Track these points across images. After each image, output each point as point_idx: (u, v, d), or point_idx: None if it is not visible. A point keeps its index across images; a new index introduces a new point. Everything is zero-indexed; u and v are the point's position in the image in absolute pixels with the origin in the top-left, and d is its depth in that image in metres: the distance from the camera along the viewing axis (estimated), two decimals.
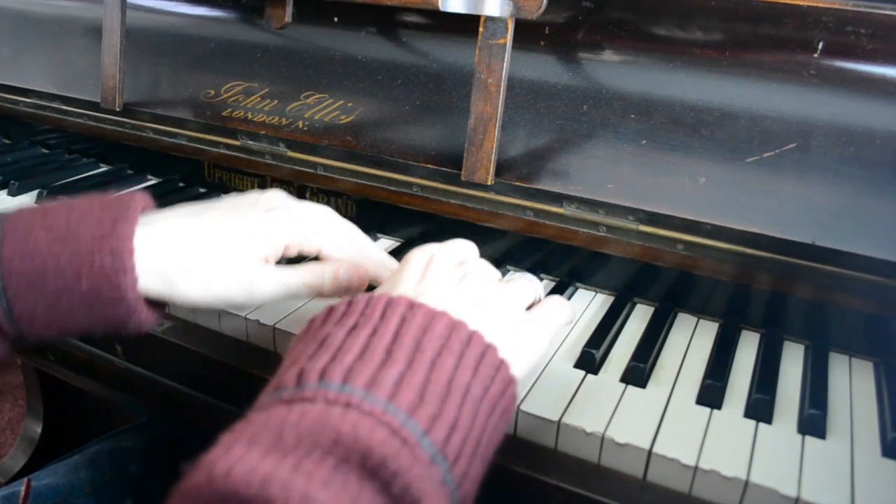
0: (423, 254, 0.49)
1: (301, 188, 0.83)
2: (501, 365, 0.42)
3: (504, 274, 0.74)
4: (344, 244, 0.57)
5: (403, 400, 0.37)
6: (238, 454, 0.33)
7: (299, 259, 0.57)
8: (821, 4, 0.61)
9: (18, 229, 0.48)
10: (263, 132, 0.82)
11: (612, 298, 0.69)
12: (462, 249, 0.51)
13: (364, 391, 0.36)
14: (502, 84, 0.66)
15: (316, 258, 0.57)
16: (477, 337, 0.41)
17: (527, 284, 0.51)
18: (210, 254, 0.51)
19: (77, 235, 0.48)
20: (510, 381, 0.42)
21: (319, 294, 0.55)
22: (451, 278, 0.47)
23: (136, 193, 0.52)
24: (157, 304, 0.51)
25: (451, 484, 0.37)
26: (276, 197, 0.57)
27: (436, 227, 0.76)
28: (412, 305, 0.41)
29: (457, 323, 0.41)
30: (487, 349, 0.41)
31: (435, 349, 0.40)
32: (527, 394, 0.54)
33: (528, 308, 0.51)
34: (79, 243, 0.47)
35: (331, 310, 0.43)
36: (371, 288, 0.64)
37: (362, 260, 0.57)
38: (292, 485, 0.31)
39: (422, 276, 0.47)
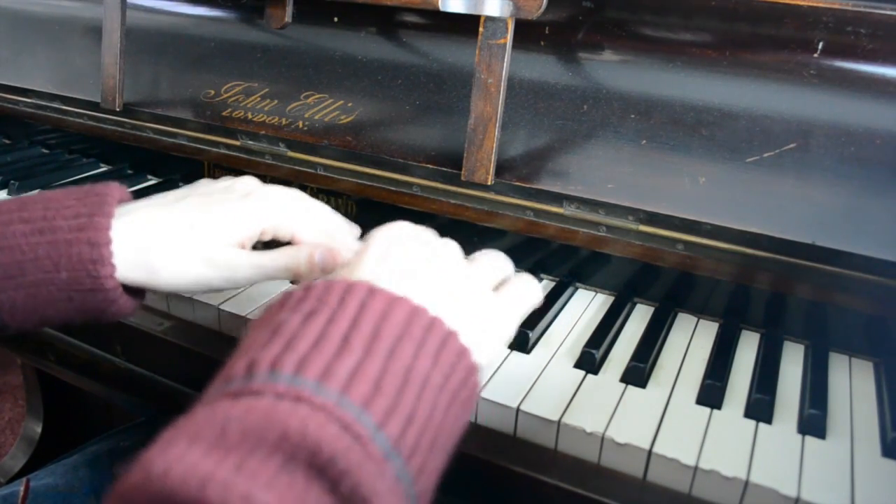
0: (386, 232, 0.47)
1: (301, 188, 0.82)
2: (464, 352, 0.40)
3: None
4: (316, 231, 0.57)
5: (357, 392, 0.35)
6: (177, 452, 0.31)
7: (273, 244, 0.58)
8: (821, 4, 0.61)
9: None
10: (263, 132, 0.82)
11: (612, 298, 0.69)
12: (425, 231, 0.50)
13: (316, 383, 0.34)
14: (502, 84, 0.66)
15: (289, 243, 0.58)
16: (438, 323, 0.40)
17: (494, 261, 0.50)
18: (187, 240, 0.52)
19: (54, 227, 0.49)
20: (472, 369, 0.41)
21: (296, 277, 0.55)
22: (414, 258, 0.45)
23: (111, 184, 0.53)
24: (135, 292, 0.52)
25: (407, 479, 0.35)
26: (250, 183, 0.58)
27: (436, 227, 0.76)
28: (372, 290, 0.39)
29: (417, 309, 0.39)
30: (449, 336, 0.40)
31: (394, 336, 0.38)
32: (527, 394, 0.54)
33: (498, 287, 0.49)
34: (56, 234, 0.48)
35: (288, 295, 0.41)
36: None
37: (333, 245, 0.57)
38: (233, 486, 0.30)
39: (384, 256, 0.45)
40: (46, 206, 0.50)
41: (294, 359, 0.35)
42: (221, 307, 0.64)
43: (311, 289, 0.40)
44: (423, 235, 0.49)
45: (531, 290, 0.49)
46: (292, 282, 0.63)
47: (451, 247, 0.48)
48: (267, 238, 0.57)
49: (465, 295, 0.45)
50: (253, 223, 0.54)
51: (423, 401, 0.37)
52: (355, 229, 0.62)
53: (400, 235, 0.47)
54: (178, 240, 0.51)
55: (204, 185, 0.57)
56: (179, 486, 0.30)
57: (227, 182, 0.58)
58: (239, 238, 0.54)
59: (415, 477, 0.36)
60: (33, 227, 0.49)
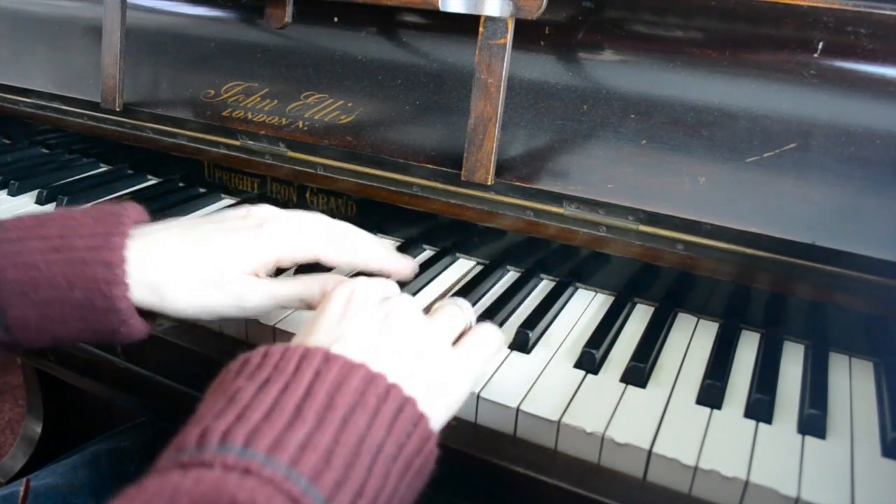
0: (343, 291, 0.48)
1: (301, 188, 0.83)
2: (420, 420, 0.40)
3: (503, 275, 0.74)
4: (340, 252, 0.58)
5: (307, 465, 0.35)
6: None
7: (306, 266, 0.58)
8: (821, 4, 0.61)
9: (12, 238, 0.49)
10: (263, 132, 0.82)
11: (612, 298, 0.69)
12: (384, 285, 0.51)
13: (266, 456, 0.35)
14: (502, 84, 0.66)
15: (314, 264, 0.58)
16: (395, 391, 0.40)
17: (454, 314, 0.50)
18: (200, 267, 0.52)
19: (71, 246, 0.49)
20: (428, 436, 0.41)
21: (310, 307, 0.55)
22: (373, 318, 0.46)
23: (129, 205, 0.53)
24: (147, 314, 0.52)
25: None
26: (268, 210, 0.58)
27: (436, 227, 0.76)
28: (328, 357, 0.40)
29: (374, 376, 0.40)
30: (406, 403, 0.40)
31: (348, 406, 0.38)
32: (527, 394, 0.54)
33: (459, 338, 0.49)
34: (72, 253, 0.48)
35: (246, 360, 0.41)
36: None
37: (359, 263, 0.58)
38: None
39: (342, 317, 0.45)
40: (63, 225, 0.50)
41: (245, 430, 0.36)
42: None
43: (269, 355, 0.41)
44: (381, 291, 0.49)
45: (491, 339, 0.50)
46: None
47: (410, 302, 0.49)
48: (285, 266, 0.56)
49: (423, 356, 0.45)
50: (267, 252, 0.54)
51: (375, 472, 0.37)
52: (385, 244, 0.62)
53: (358, 293, 0.47)
54: (190, 266, 0.51)
55: (222, 213, 0.57)
56: None
57: (244, 210, 0.58)
58: (252, 266, 0.53)
59: None
60: (49, 245, 0.48)
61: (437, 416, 0.43)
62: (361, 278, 0.50)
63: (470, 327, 0.51)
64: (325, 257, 0.57)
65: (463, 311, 0.51)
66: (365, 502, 0.36)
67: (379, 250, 0.61)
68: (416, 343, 0.45)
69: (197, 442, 0.36)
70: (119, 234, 0.50)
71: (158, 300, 0.51)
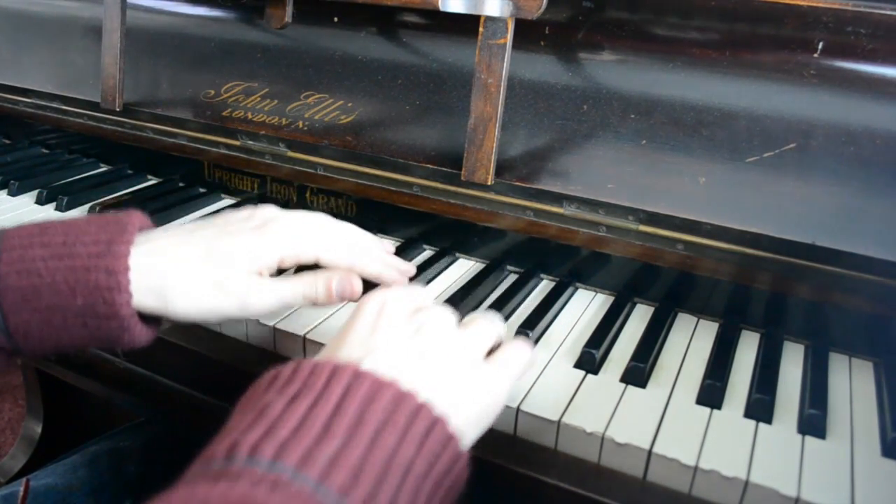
0: (374, 302, 0.47)
1: (301, 188, 0.83)
2: (450, 440, 0.40)
3: (503, 275, 0.74)
4: (342, 252, 0.58)
5: (336, 481, 0.35)
6: None
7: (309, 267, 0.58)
8: (821, 4, 0.61)
9: (15, 245, 0.49)
10: (263, 132, 0.82)
11: (612, 298, 0.69)
12: (416, 294, 0.50)
13: (294, 470, 0.34)
14: (502, 84, 0.66)
15: (316, 265, 0.58)
16: (425, 410, 0.39)
17: (487, 328, 0.49)
18: (204, 271, 0.52)
19: (73, 253, 0.49)
20: (459, 456, 0.41)
21: (314, 304, 0.56)
22: (404, 331, 0.45)
23: (133, 212, 0.53)
24: (151, 320, 0.52)
25: None
26: (270, 211, 0.58)
27: (436, 227, 0.76)
28: (357, 374, 0.40)
29: (404, 395, 0.39)
30: (436, 423, 0.40)
31: (377, 423, 0.38)
32: (527, 394, 0.54)
33: (490, 352, 0.49)
34: (75, 261, 0.48)
35: (276, 375, 0.41)
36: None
37: (362, 265, 0.58)
38: None
39: (373, 329, 0.45)
40: (66, 232, 0.50)
41: (274, 444, 0.35)
42: None
43: (299, 370, 0.40)
44: (412, 302, 0.49)
45: (523, 356, 0.49)
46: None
47: (442, 314, 0.48)
48: (288, 266, 0.57)
49: (455, 373, 0.44)
50: (270, 252, 0.54)
51: (405, 490, 0.37)
52: (386, 245, 0.62)
53: (389, 305, 0.47)
54: (194, 269, 0.51)
55: (225, 215, 0.58)
56: None
57: (248, 211, 0.58)
58: (255, 267, 0.53)
59: None
60: (52, 252, 0.48)
61: (468, 434, 0.43)
62: (393, 288, 0.50)
63: (500, 342, 0.50)
64: (327, 259, 0.57)
65: (494, 326, 0.50)
66: None
67: (379, 254, 0.61)
68: (448, 359, 0.45)
69: (226, 454, 0.35)
70: (123, 242, 0.49)
71: (163, 305, 0.51)
